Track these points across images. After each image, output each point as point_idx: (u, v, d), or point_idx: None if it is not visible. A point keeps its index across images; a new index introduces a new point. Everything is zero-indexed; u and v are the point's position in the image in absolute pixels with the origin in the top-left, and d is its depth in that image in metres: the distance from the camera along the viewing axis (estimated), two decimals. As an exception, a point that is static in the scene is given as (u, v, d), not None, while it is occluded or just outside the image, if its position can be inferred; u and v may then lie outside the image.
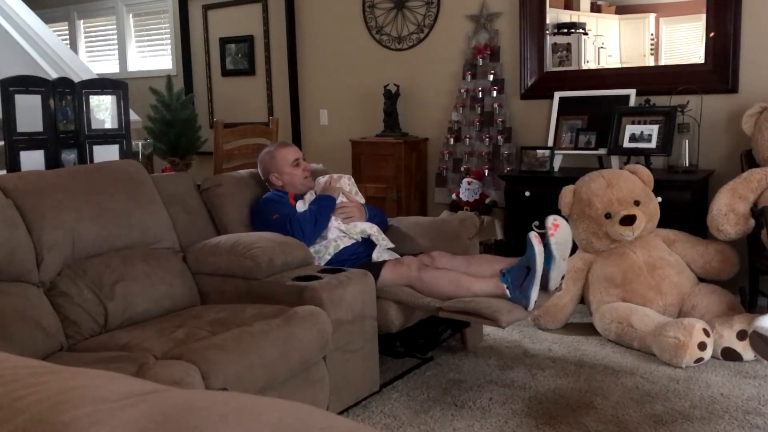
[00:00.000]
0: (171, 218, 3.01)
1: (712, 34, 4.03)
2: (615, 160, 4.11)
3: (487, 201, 4.63)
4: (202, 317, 2.54)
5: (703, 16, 4.09)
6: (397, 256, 3.17)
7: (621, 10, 4.83)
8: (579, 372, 3.11)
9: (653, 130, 4.00)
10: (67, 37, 7.37)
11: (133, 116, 4.43)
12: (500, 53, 4.72)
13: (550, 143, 4.38)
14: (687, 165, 3.99)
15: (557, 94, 4.43)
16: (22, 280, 2.42)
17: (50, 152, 3.40)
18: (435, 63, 5.00)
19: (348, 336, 2.69)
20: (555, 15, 4.67)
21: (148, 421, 0.75)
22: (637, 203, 3.60)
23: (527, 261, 2.75)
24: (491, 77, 4.70)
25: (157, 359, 2.16)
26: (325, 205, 3.22)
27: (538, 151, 4.31)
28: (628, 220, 3.54)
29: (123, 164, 3.07)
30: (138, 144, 4.45)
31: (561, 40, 4.65)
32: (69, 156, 3.47)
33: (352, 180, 3.45)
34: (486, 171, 4.69)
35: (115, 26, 7.05)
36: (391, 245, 3.27)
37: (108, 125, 3.63)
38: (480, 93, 4.72)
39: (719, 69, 4.02)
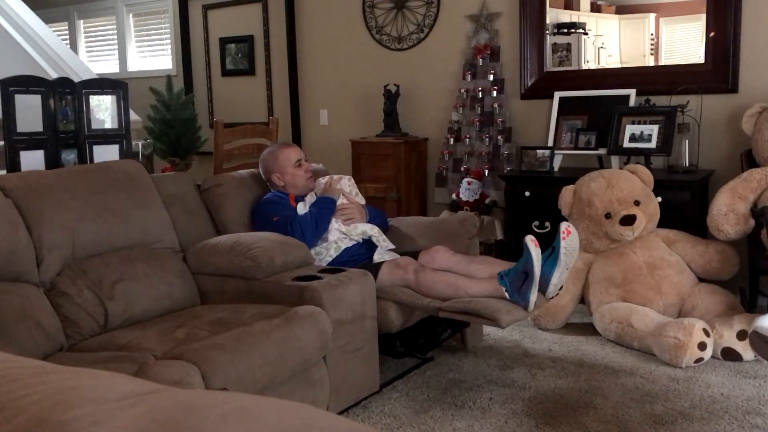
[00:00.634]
0: (171, 218, 3.01)
1: (712, 34, 4.03)
2: (615, 160, 4.11)
3: (487, 201, 4.63)
4: (202, 317, 2.54)
5: (703, 16, 4.09)
6: (398, 256, 3.17)
7: (621, 10, 4.83)
8: (579, 372, 3.11)
9: (653, 130, 4.00)
10: (67, 37, 7.37)
11: (133, 116, 4.43)
12: (500, 53, 4.72)
13: (550, 143, 4.38)
14: (687, 165, 3.99)
15: (557, 94, 4.44)
16: (22, 280, 2.42)
17: (50, 152, 3.40)
18: (435, 63, 5.00)
19: (348, 336, 2.69)
20: (555, 15, 4.67)
21: (148, 421, 0.75)
22: (637, 203, 3.60)
23: (524, 266, 2.74)
24: (491, 77, 4.70)
25: (157, 359, 2.16)
26: (325, 207, 3.21)
27: (538, 151, 4.31)
28: (628, 220, 3.54)
29: (123, 164, 3.07)
30: (138, 144, 4.45)
31: (561, 40, 4.65)
32: (69, 156, 3.47)
33: (352, 181, 3.45)
34: (486, 171, 4.69)
35: (115, 26, 7.05)
36: (392, 246, 3.27)
37: (108, 125, 3.63)
38: (480, 93, 4.72)
39: (719, 69, 4.02)
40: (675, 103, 4.02)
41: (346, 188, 3.37)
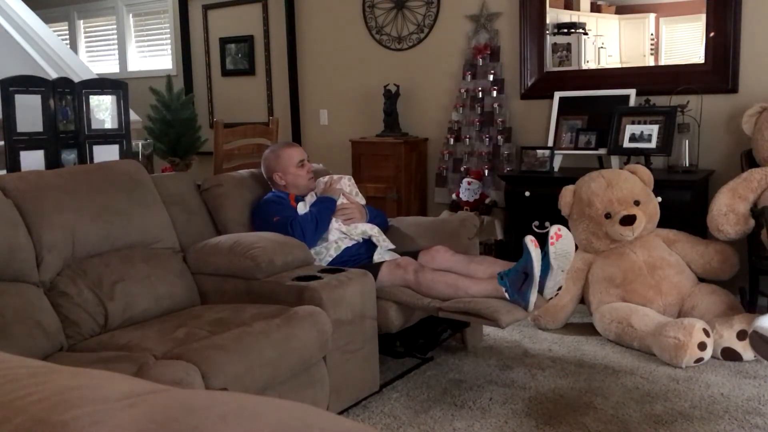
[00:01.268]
0: (171, 218, 3.01)
1: (712, 34, 4.03)
2: (615, 160, 4.11)
3: (487, 201, 4.62)
4: (202, 317, 2.54)
5: (703, 16, 4.09)
6: (398, 256, 3.17)
7: (621, 10, 4.83)
8: (579, 372, 3.11)
9: (653, 130, 4.00)
10: (67, 37, 7.37)
11: (133, 116, 4.43)
12: (500, 53, 4.72)
13: (550, 143, 4.38)
14: (687, 165, 3.99)
15: (557, 94, 4.43)
16: (22, 280, 2.42)
17: (50, 152, 3.39)
18: (435, 63, 5.00)
19: (348, 336, 2.69)
20: (555, 15, 4.67)
21: (148, 421, 0.75)
22: (637, 203, 3.60)
23: (524, 266, 2.74)
24: (491, 77, 4.70)
25: (157, 359, 2.16)
26: (325, 208, 3.22)
27: (538, 151, 4.31)
28: (628, 220, 3.54)
29: (123, 164, 3.07)
30: (138, 144, 4.45)
31: (561, 40, 4.65)
32: (69, 156, 3.47)
33: (352, 180, 3.45)
34: (486, 171, 4.69)
35: (115, 26, 7.05)
36: (392, 246, 3.27)
37: (108, 125, 3.63)
38: (480, 93, 4.72)
39: (719, 69, 4.02)
40: (675, 103, 4.02)
41: (346, 188, 3.37)
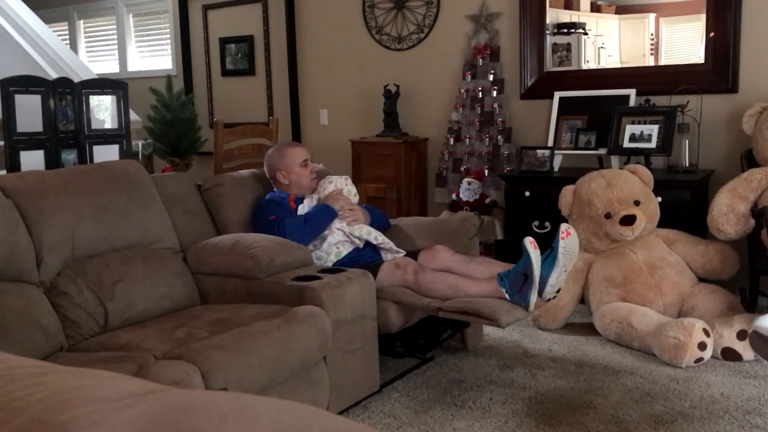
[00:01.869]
0: (171, 218, 3.01)
1: (712, 34, 4.03)
2: (615, 160, 4.11)
3: (487, 201, 4.63)
4: (202, 317, 2.54)
5: (703, 16, 4.09)
6: (402, 253, 3.17)
7: (621, 10, 4.83)
8: (579, 372, 3.11)
9: (653, 130, 4.00)
10: (67, 37, 7.37)
11: (133, 116, 4.43)
12: (500, 53, 4.72)
13: (550, 143, 4.38)
14: (687, 165, 3.99)
15: (557, 94, 4.43)
16: (22, 280, 2.42)
17: (50, 152, 3.40)
18: (435, 63, 5.00)
19: (348, 336, 2.69)
20: (555, 15, 4.67)
21: (148, 421, 0.75)
22: (637, 203, 3.60)
23: (524, 267, 2.74)
24: (491, 77, 4.70)
25: (157, 359, 2.16)
26: (321, 213, 3.19)
27: (538, 151, 4.31)
28: (628, 220, 3.54)
29: (123, 164, 3.07)
30: (138, 144, 4.45)
31: (561, 40, 4.65)
32: (69, 156, 3.48)
33: (349, 180, 3.43)
34: (486, 171, 4.69)
35: (115, 26, 7.05)
36: (401, 252, 3.23)
37: (108, 125, 3.63)
38: (480, 93, 4.72)
39: (719, 69, 4.02)
40: (675, 103, 4.02)
41: (343, 187, 3.35)
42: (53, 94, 3.39)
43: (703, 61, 4.11)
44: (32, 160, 3.31)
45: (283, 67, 5.71)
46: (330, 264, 3.10)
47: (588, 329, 3.62)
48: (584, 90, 4.40)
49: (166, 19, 6.64)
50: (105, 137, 3.61)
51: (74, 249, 2.60)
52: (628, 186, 3.63)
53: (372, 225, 3.28)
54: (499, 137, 4.68)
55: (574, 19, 4.74)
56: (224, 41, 6.05)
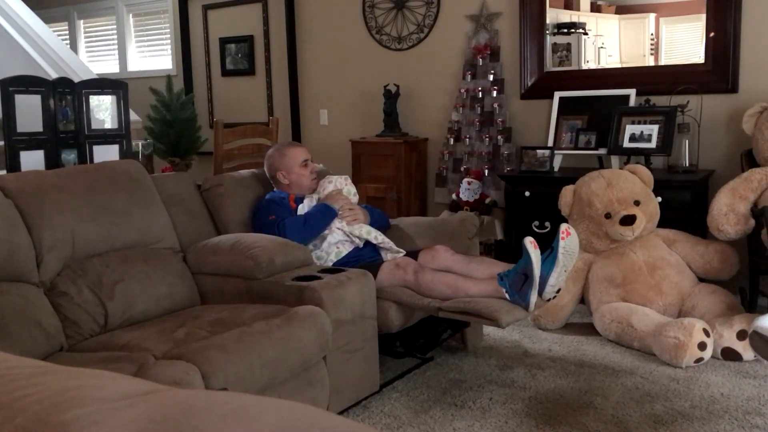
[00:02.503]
0: (171, 218, 3.01)
1: (712, 34, 4.03)
2: (615, 160, 4.11)
3: (487, 201, 4.63)
4: (202, 317, 2.54)
5: (703, 16, 4.09)
6: (404, 252, 3.17)
7: (621, 10, 4.83)
8: (579, 372, 3.11)
9: (653, 130, 4.00)
10: (67, 37, 7.37)
11: (133, 116, 4.43)
12: (500, 53, 4.72)
13: (550, 143, 4.38)
14: (687, 165, 3.99)
15: (557, 94, 4.44)
16: (22, 280, 2.42)
17: (50, 152, 3.40)
18: (435, 63, 5.00)
19: (348, 336, 2.69)
20: (555, 15, 4.67)
21: (148, 421, 0.75)
22: (637, 203, 3.60)
23: (524, 268, 2.74)
24: (491, 77, 4.70)
25: (157, 359, 2.16)
26: (320, 213, 3.18)
27: (538, 151, 4.31)
28: (628, 220, 3.54)
29: (123, 164, 3.07)
30: (138, 144, 4.45)
31: (561, 40, 4.65)
32: (69, 156, 3.48)
33: (349, 180, 3.43)
34: (486, 171, 4.69)
35: (115, 26, 7.05)
36: (400, 252, 3.23)
37: (108, 125, 3.64)
38: (480, 93, 4.72)
39: (719, 69, 4.02)
40: (675, 103, 4.02)
41: (343, 187, 3.35)
42: (53, 94, 3.39)
43: (703, 61, 4.11)
44: (32, 160, 3.31)
45: (283, 67, 5.71)
46: (330, 263, 3.10)
47: (588, 329, 3.62)
48: (584, 90, 4.40)
49: (166, 19, 6.64)
50: (105, 137, 3.62)
51: (74, 249, 2.60)
52: (628, 186, 3.63)
53: (372, 225, 3.28)
54: (499, 137, 4.68)
55: (574, 19, 4.74)
56: (224, 41, 6.05)
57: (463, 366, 3.23)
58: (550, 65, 4.62)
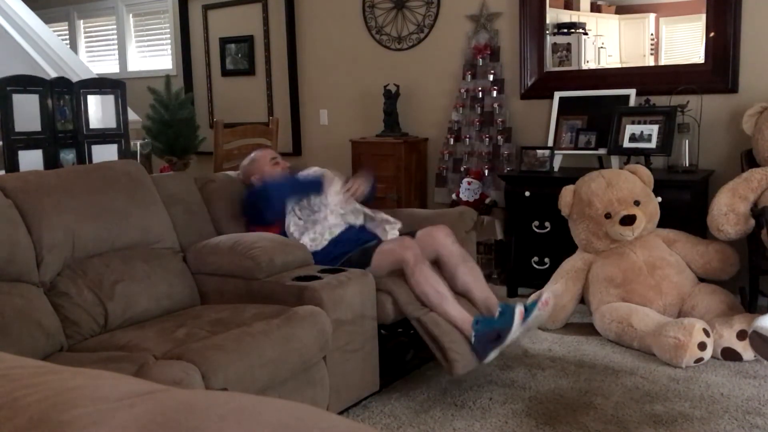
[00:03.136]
0: (171, 218, 3.01)
1: (712, 34, 4.03)
2: (615, 160, 4.11)
3: (487, 201, 4.62)
4: (202, 317, 2.54)
5: (703, 16, 4.09)
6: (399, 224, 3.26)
7: (621, 10, 4.83)
8: (579, 372, 3.11)
9: (653, 130, 4.00)
10: (67, 37, 7.37)
11: (133, 116, 4.43)
12: (500, 53, 4.72)
13: (550, 143, 4.38)
14: (687, 165, 3.99)
15: (557, 94, 4.43)
16: (22, 280, 2.41)
17: (48, 152, 3.40)
18: (435, 63, 5.00)
19: (348, 336, 2.69)
20: (555, 15, 4.67)
21: (148, 421, 0.75)
22: (637, 203, 3.60)
23: (501, 328, 2.80)
24: (491, 77, 4.70)
25: (157, 359, 2.16)
26: (308, 183, 3.28)
27: (538, 151, 4.31)
28: (628, 220, 3.54)
29: (123, 164, 3.07)
30: (136, 143, 4.46)
31: (561, 40, 4.65)
32: (68, 156, 3.48)
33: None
34: (486, 171, 4.69)
35: (115, 26, 7.05)
36: (397, 223, 3.29)
37: (107, 125, 3.64)
38: (480, 93, 4.72)
39: (719, 69, 4.02)
40: (675, 103, 4.02)
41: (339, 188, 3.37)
42: (51, 93, 3.39)
43: (703, 61, 4.11)
44: (30, 159, 3.31)
45: (283, 67, 5.71)
46: (325, 243, 3.13)
47: (588, 329, 3.62)
48: (584, 90, 4.40)
49: (166, 19, 6.63)
50: (104, 137, 3.62)
51: (74, 249, 2.60)
52: (628, 186, 3.63)
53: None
54: (499, 137, 4.68)
55: (574, 19, 4.74)
56: (224, 41, 6.05)
57: (463, 366, 3.22)
58: (550, 65, 4.62)
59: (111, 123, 3.63)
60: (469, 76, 4.77)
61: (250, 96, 5.97)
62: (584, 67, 4.67)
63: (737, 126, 3.83)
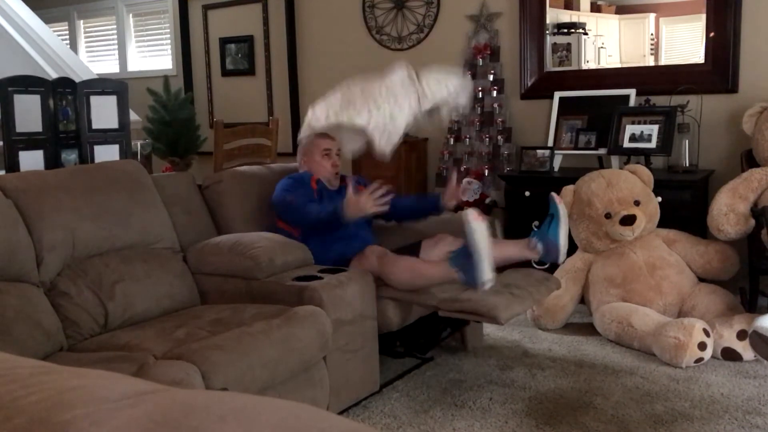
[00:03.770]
0: (171, 218, 3.01)
1: (712, 34, 4.03)
2: (615, 160, 4.11)
3: (487, 201, 4.62)
4: (202, 317, 2.54)
5: (703, 16, 4.09)
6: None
7: (621, 10, 4.84)
8: (579, 372, 3.11)
9: (653, 130, 4.00)
10: (67, 37, 7.37)
11: (133, 116, 4.43)
12: (500, 53, 4.72)
13: (550, 143, 4.38)
14: (687, 165, 3.99)
15: (557, 94, 4.43)
16: (22, 280, 2.41)
17: (49, 152, 3.40)
18: (435, 63, 4.99)
19: (348, 336, 2.69)
20: (555, 15, 4.67)
21: (148, 421, 0.75)
22: (637, 203, 3.60)
23: (467, 244, 2.71)
24: (491, 77, 4.70)
25: (157, 359, 2.16)
26: (327, 220, 3.04)
27: (538, 151, 4.31)
28: (628, 220, 3.54)
29: (123, 164, 3.07)
30: (137, 144, 4.46)
31: (561, 40, 4.65)
32: (70, 156, 3.48)
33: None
34: (486, 171, 4.69)
35: (115, 26, 7.05)
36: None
37: (108, 125, 3.64)
38: (480, 93, 4.72)
39: (719, 69, 4.02)
40: (675, 103, 4.02)
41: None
42: (53, 94, 3.39)
43: (703, 61, 4.11)
44: (31, 160, 3.31)
45: (283, 67, 5.71)
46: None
47: (588, 329, 3.62)
48: (584, 90, 4.40)
49: (166, 19, 6.63)
50: (105, 137, 3.62)
51: (74, 249, 2.60)
52: (628, 186, 3.63)
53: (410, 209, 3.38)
54: (499, 137, 4.68)
55: (574, 19, 4.74)
56: (224, 41, 6.05)
57: (463, 366, 3.23)
58: (550, 65, 4.62)
59: (113, 124, 3.63)
60: (469, 76, 4.77)
61: (250, 96, 5.97)
62: (584, 67, 4.67)
63: (737, 126, 3.83)
